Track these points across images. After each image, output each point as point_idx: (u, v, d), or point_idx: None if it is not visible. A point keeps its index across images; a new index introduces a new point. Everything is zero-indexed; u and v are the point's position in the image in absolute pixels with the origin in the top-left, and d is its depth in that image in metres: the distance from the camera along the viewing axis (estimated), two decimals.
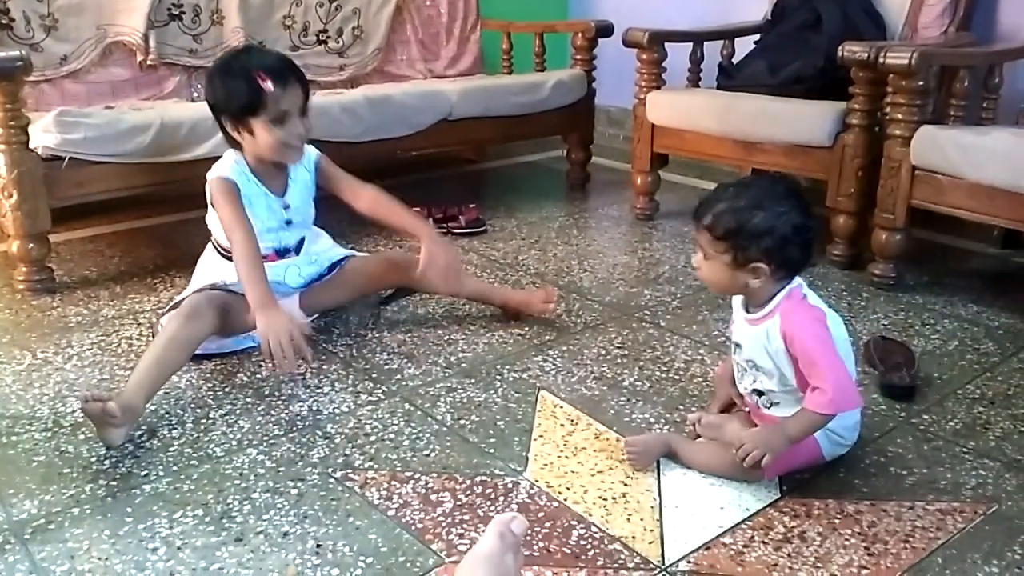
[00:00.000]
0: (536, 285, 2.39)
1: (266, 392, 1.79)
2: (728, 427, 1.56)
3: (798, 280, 1.47)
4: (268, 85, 1.79)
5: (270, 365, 1.71)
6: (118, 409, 1.52)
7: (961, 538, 1.35)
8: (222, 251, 1.96)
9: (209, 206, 1.93)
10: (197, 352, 1.88)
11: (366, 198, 2.02)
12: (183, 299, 1.87)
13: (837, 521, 1.38)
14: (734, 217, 1.41)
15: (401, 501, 1.43)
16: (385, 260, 2.20)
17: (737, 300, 1.53)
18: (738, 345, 1.52)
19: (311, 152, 2.02)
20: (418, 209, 2.85)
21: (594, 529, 1.36)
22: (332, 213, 2.17)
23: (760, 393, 1.50)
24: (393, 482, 1.48)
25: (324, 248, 2.12)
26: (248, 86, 1.79)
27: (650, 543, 1.33)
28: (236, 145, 1.90)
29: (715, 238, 1.43)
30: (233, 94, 1.83)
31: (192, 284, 1.97)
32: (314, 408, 1.73)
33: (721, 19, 3.27)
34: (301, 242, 2.05)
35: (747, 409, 1.58)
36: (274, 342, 1.65)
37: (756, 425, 1.52)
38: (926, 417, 1.71)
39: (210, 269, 1.97)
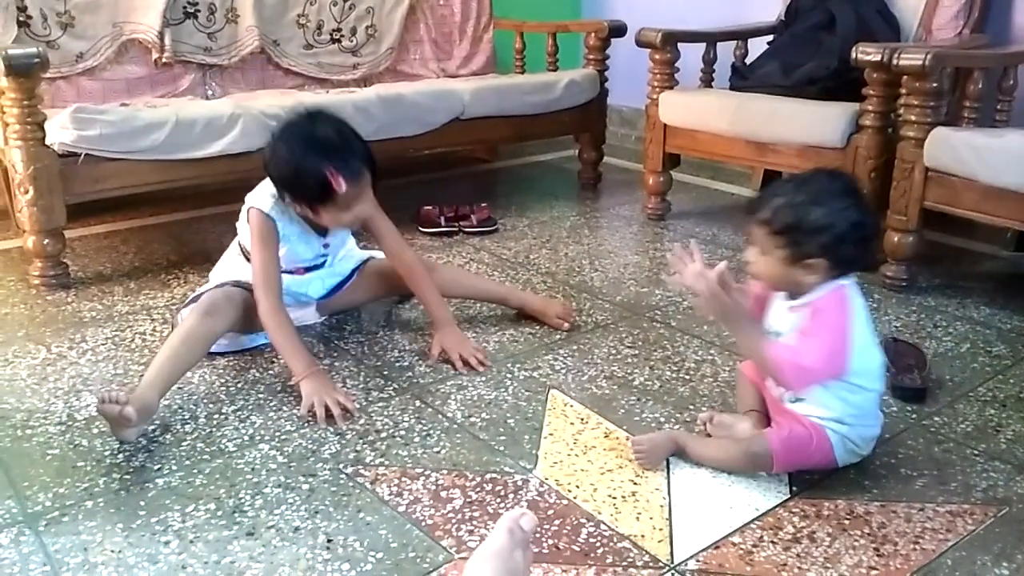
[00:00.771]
0: (548, 285, 2.39)
1: (278, 388, 1.80)
2: (739, 427, 1.57)
3: (851, 280, 1.45)
4: (341, 184, 1.72)
5: (305, 418, 1.69)
6: (135, 413, 1.53)
7: (971, 540, 1.34)
8: (247, 254, 1.95)
9: (243, 212, 1.89)
10: (211, 349, 1.90)
11: (404, 265, 1.99)
12: (202, 293, 1.88)
13: (847, 522, 1.38)
14: (793, 212, 1.40)
15: (411, 497, 1.43)
16: (413, 287, 2.10)
17: (782, 293, 1.51)
18: (777, 334, 1.49)
19: None
20: (429, 208, 2.87)
21: (603, 527, 1.37)
22: None
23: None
24: (404, 478, 1.49)
25: (347, 252, 2.11)
26: (320, 184, 1.72)
27: (659, 542, 1.33)
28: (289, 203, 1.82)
29: (773, 233, 1.41)
30: (304, 185, 1.75)
31: (213, 278, 1.98)
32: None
33: (734, 20, 3.26)
34: (328, 258, 2.04)
35: (759, 409, 1.58)
36: (319, 404, 1.66)
37: (769, 424, 1.53)
38: (937, 419, 1.70)
39: (233, 267, 1.97)
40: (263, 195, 1.85)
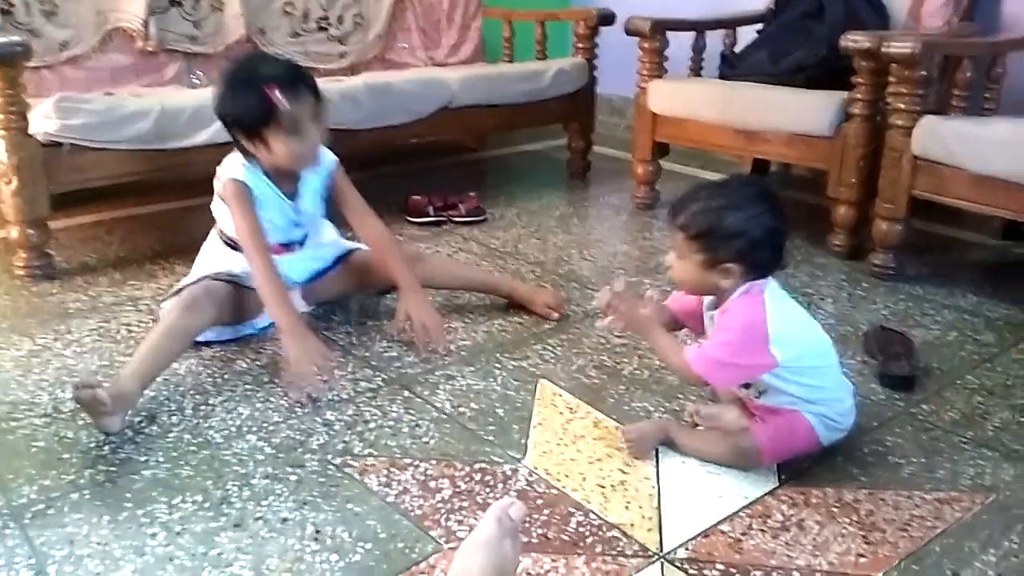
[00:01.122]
0: (537, 275, 2.38)
1: (265, 379, 1.79)
2: (726, 416, 1.57)
3: (768, 280, 1.47)
4: (280, 98, 1.74)
5: (288, 388, 1.71)
6: (108, 397, 1.52)
7: (959, 527, 1.35)
8: (228, 241, 1.95)
9: (216, 197, 1.92)
10: (197, 339, 1.89)
11: (370, 231, 2.00)
12: (185, 286, 1.87)
13: (835, 510, 1.39)
14: (707, 218, 1.43)
15: (400, 488, 1.43)
16: (379, 256, 2.16)
17: (708, 299, 1.54)
18: None
19: (328, 158, 1.98)
20: (418, 198, 2.86)
21: (592, 516, 1.37)
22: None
23: (746, 386, 1.51)
24: (392, 469, 1.48)
25: (329, 241, 2.11)
26: (259, 100, 1.74)
27: (648, 530, 1.33)
28: (250, 155, 1.85)
29: (689, 238, 1.45)
30: (244, 109, 1.78)
31: (195, 271, 1.97)
32: (313, 395, 1.73)
33: (723, 8, 3.25)
34: (306, 236, 2.04)
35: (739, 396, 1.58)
36: (305, 368, 1.67)
37: (754, 414, 1.53)
38: (925, 407, 1.71)
39: (214, 257, 1.96)
40: (231, 165, 1.87)
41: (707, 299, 1.54)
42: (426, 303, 1.95)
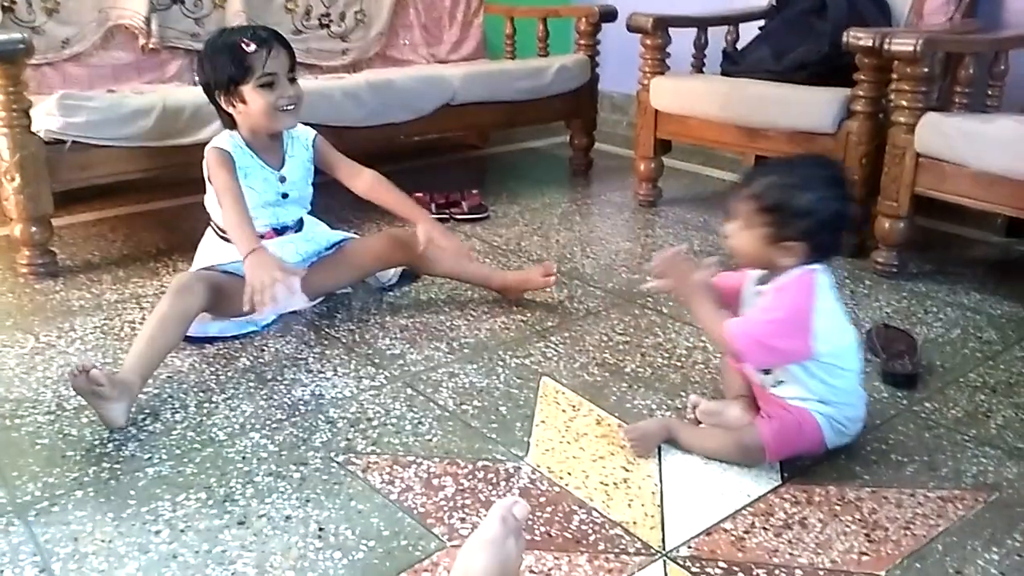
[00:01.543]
0: (534, 263, 2.37)
1: (269, 376, 1.79)
2: (728, 412, 1.57)
3: (822, 268, 1.45)
4: (251, 48, 1.84)
5: (250, 303, 1.72)
6: (103, 376, 1.52)
7: (961, 525, 1.35)
8: (221, 233, 1.96)
9: (207, 185, 1.94)
10: (199, 336, 1.90)
11: (364, 180, 2.06)
12: None
13: (838, 508, 1.39)
14: (782, 193, 1.41)
15: (403, 485, 1.43)
16: (387, 237, 2.17)
17: (753, 274, 1.52)
18: None
19: (309, 131, 2.06)
20: (420, 195, 2.86)
21: (595, 514, 1.37)
22: (332, 198, 2.18)
23: (767, 371, 1.50)
24: (395, 466, 1.48)
25: (324, 230, 2.14)
26: (232, 54, 1.85)
27: (651, 528, 1.34)
28: (232, 125, 1.94)
29: (759, 209, 1.43)
30: (220, 66, 1.88)
31: (195, 266, 1.98)
32: (317, 393, 1.73)
33: (725, 4, 3.25)
34: (300, 223, 2.06)
35: (747, 395, 1.58)
36: (258, 282, 1.70)
37: (759, 410, 1.53)
38: (928, 405, 1.71)
39: (209, 252, 1.98)
40: (216, 139, 1.95)
41: (754, 275, 1.52)
42: (444, 230, 2.02)
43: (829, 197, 1.42)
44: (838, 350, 1.45)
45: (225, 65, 1.87)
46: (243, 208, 1.86)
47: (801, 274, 1.43)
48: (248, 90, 1.87)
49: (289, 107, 1.92)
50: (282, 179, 1.99)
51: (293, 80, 1.93)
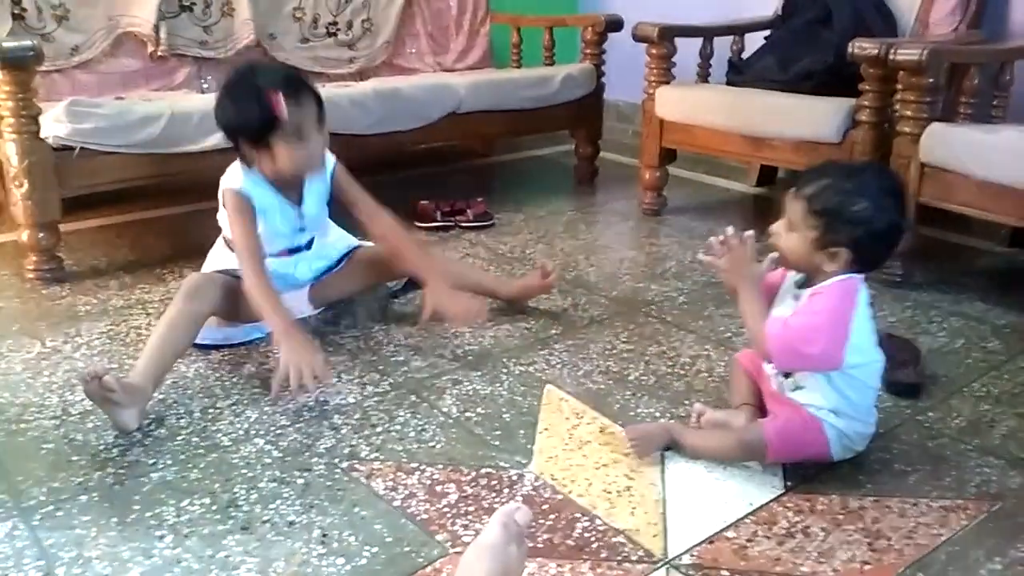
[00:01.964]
0: (533, 268, 2.36)
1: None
2: (733, 422, 1.57)
3: (863, 279, 1.45)
4: (282, 105, 1.73)
5: (278, 390, 1.68)
6: (115, 382, 1.53)
7: (964, 535, 1.35)
8: (232, 247, 1.96)
9: (221, 208, 1.92)
10: (205, 343, 1.90)
11: (381, 224, 1.99)
12: None
13: (841, 517, 1.39)
14: (837, 197, 1.40)
15: (407, 492, 1.43)
16: (394, 248, 2.18)
17: (792, 275, 1.51)
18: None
19: (329, 159, 1.98)
20: (426, 202, 2.87)
21: (598, 522, 1.37)
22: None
23: (787, 374, 1.50)
24: (399, 473, 1.49)
25: (334, 240, 2.12)
26: (260, 107, 1.73)
27: (654, 536, 1.34)
28: (252, 162, 1.84)
29: (811, 211, 1.41)
30: (247, 117, 1.77)
31: (203, 271, 1.98)
32: (321, 399, 1.73)
33: (731, 14, 3.26)
34: (312, 240, 2.05)
35: (753, 403, 1.58)
36: (295, 372, 1.65)
37: (764, 417, 1.53)
38: (931, 414, 1.71)
39: (221, 258, 1.97)
40: (233, 175, 1.87)
41: (793, 275, 1.51)
42: (450, 292, 1.94)
43: (883, 207, 1.40)
44: (865, 365, 1.45)
45: (252, 117, 1.75)
46: (264, 277, 1.80)
47: (843, 280, 1.42)
48: (277, 143, 1.77)
49: (319, 158, 1.88)
50: (301, 215, 1.95)
51: (321, 125, 1.85)
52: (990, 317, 2.18)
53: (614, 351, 1.97)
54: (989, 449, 1.58)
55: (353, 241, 2.14)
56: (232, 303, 1.87)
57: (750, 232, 1.50)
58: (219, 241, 2.02)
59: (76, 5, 2.86)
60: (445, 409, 1.71)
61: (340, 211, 2.05)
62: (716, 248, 1.52)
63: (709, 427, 1.60)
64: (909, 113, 2.24)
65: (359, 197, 2.00)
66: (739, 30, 3.11)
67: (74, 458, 1.52)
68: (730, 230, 1.52)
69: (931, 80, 2.20)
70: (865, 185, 1.41)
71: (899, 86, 2.26)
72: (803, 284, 1.49)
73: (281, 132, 1.76)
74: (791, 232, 1.45)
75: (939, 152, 2.19)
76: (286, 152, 1.78)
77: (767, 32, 3.07)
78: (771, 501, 1.43)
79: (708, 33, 3.05)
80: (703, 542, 1.33)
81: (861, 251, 1.40)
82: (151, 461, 1.52)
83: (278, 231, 1.93)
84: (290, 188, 1.92)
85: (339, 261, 2.09)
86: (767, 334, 1.43)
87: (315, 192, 1.97)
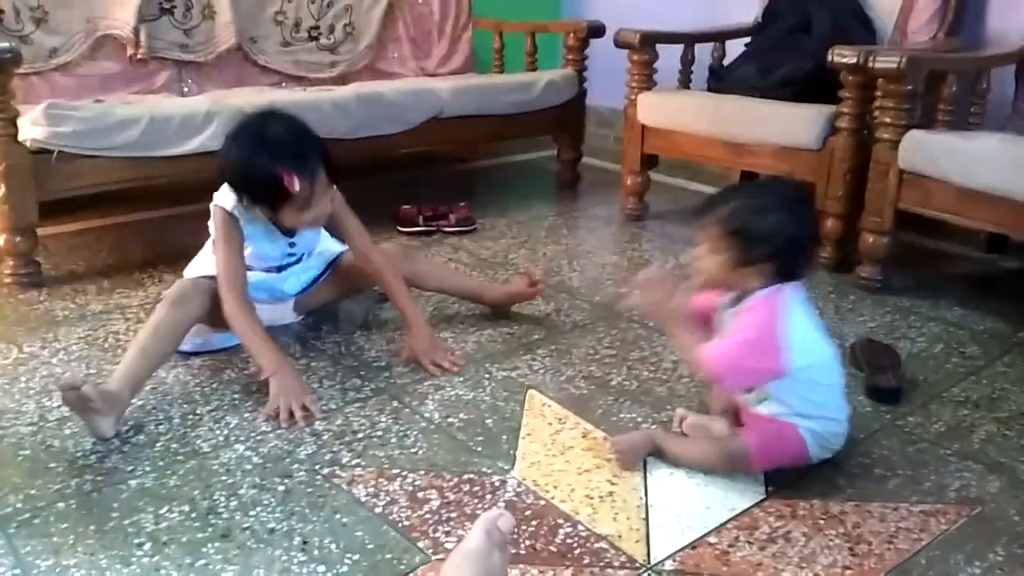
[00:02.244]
0: (519, 274, 2.36)
1: (254, 389, 1.79)
2: (714, 427, 1.58)
3: (791, 286, 1.47)
4: (295, 183, 1.68)
5: (269, 418, 1.67)
6: (94, 392, 1.51)
7: (944, 539, 1.36)
8: None
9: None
10: (185, 349, 1.89)
11: (373, 266, 1.96)
12: None
13: (822, 522, 1.39)
14: (746, 216, 1.43)
15: (388, 498, 1.43)
16: (378, 253, 2.15)
17: (724, 299, 1.54)
18: None
19: None
20: (408, 207, 2.87)
21: (580, 528, 1.37)
22: None
23: (749, 389, 1.51)
24: (380, 479, 1.48)
25: (321, 249, 2.09)
26: (273, 185, 1.69)
27: (636, 542, 1.34)
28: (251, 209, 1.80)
29: (725, 232, 1.45)
30: (256, 186, 1.73)
31: (188, 273, 1.96)
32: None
33: (712, 21, 3.27)
34: (302, 257, 2.03)
35: (731, 409, 1.59)
36: (284, 408, 1.65)
37: (743, 425, 1.53)
38: (911, 419, 1.72)
39: (207, 263, 1.95)
40: (228, 193, 1.82)
41: (724, 299, 1.53)
42: (430, 339, 1.92)
43: (791, 219, 1.43)
44: (816, 364, 1.46)
45: (263, 187, 1.71)
46: (246, 302, 1.77)
47: (769, 294, 1.45)
48: (284, 210, 1.75)
49: (323, 217, 1.83)
50: (292, 244, 1.92)
51: (328, 187, 1.79)
52: (969, 322, 2.20)
53: (597, 356, 1.97)
54: (968, 454, 1.60)
55: (337, 248, 2.13)
56: (219, 311, 1.85)
57: (669, 264, 1.53)
58: (208, 245, 2.00)
59: (55, 7, 2.84)
60: (427, 415, 1.70)
61: (332, 233, 2.05)
62: (638, 286, 1.56)
63: (691, 431, 1.60)
64: (888, 120, 2.26)
65: (354, 230, 1.95)
66: (720, 37, 3.12)
67: (51, 465, 1.50)
68: (644, 273, 1.57)
69: (910, 87, 2.22)
70: (772, 200, 1.46)
71: (878, 93, 2.28)
72: (735, 303, 1.51)
73: (290, 203, 1.73)
74: (711, 255, 1.48)
75: (917, 158, 2.21)
76: (292, 217, 1.77)
77: (748, 39, 3.08)
78: (753, 506, 1.43)
79: (689, 40, 3.06)
80: (685, 548, 1.33)
81: (779, 263, 1.44)
82: (130, 468, 1.50)
83: (267, 255, 1.91)
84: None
85: (325, 269, 2.08)
86: (705, 359, 1.46)
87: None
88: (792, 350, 1.42)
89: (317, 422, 1.66)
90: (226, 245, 1.80)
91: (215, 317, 1.85)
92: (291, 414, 1.65)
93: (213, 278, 1.86)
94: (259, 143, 1.73)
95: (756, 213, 1.43)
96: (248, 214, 1.82)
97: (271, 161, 1.69)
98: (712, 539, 1.35)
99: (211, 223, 1.90)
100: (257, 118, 1.78)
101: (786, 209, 1.44)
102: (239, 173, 1.75)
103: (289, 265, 1.99)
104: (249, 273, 1.88)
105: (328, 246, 2.11)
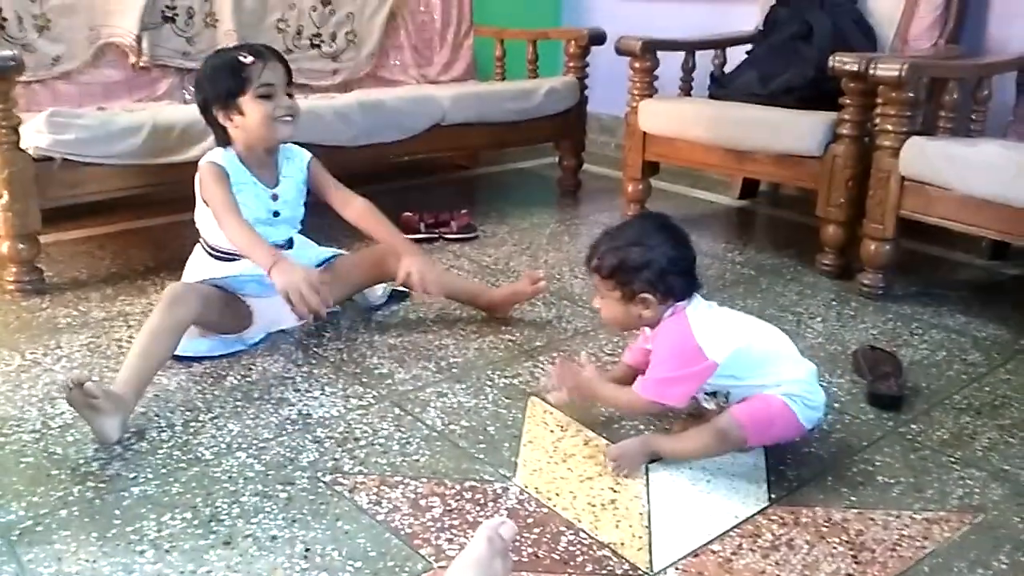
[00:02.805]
0: (521, 276, 2.36)
1: (256, 396, 1.79)
2: (706, 415, 1.59)
3: (692, 300, 1.54)
4: (248, 59, 1.88)
5: (297, 314, 1.87)
6: (98, 389, 1.52)
7: (947, 547, 1.35)
8: (210, 250, 1.96)
9: (198, 202, 1.94)
10: (187, 355, 1.89)
11: (356, 208, 2.08)
12: None
13: (825, 529, 1.39)
14: (615, 255, 1.53)
15: (390, 506, 1.43)
16: (375, 251, 2.17)
17: (648, 331, 1.60)
18: None
19: (304, 153, 2.08)
20: (409, 214, 2.87)
21: (583, 535, 1.37)
22: (321, 217, 2.17)
23: (712, 394, 1.55)
24: (382, 487, 1.48)
25: (313, 252, 2.13)
26: (232, 69, 1.89)
27: (639, 549, 1.33)
28: (227, 142, 1.95)
29: (603, 278, 1.55)
30: (218, 79, 1.91)
31: (183, 279, 1.98)
32: (304, 412, 1.72)
33: (713, 29, 3.28)
34: (290, 242, 2.05)
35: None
36: (294, 292, 1.76)
37: None
38: (913, 427, 1.72)
39: (199, 268, 1.97)
40: (210, 154, 1.96)
41: (648, 333, 1.60)
42: (426, 260, 2.04)
43: (659, 244, 1.52)
44: (740, 347, 1.50)
45: (224, 78, 1.90)
46: (246, 222, 1.88)
47: (670, 314, 1.53)
48: (246, 101, 1.89)
49: (287, 118, 1.94)
50: (275, 197, 2.00)
51: (290, 95, 1.96)
52: (971, 329, 2.20)
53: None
54: (971, 461, 1.60)
55: (332, 250, 2.15)
56: (215, 313, 1.87)
57: (571, 357, 1.71)
58: (197, 249, 2.02)
59: (58, 15, 2.84)
60: (429, 422, 1.70)
61: (316, 205, 2.11)
62: (553, 385, 1.68)
63: (682, 425, 1.64)
64: (889, 127, 2.27)
65: (331, 184, 2.10)
66: (721, 44, 3.13)
67: (54, 472, 1.50)
68: (553, 369, 1.70)
69: (911, 94, 2.22)
70: (633, 235, 1.55)
71: (879, 100, 2.28)
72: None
73: (249, 88, 1.88)
74: (604, 301, 1.58)
75: (919, 166, 2.21)
76: (255, 108, 1.89)
77: (749, 47, 3.09)
78: (756, 514, 1.43)
79: (690, 47, 3.07)
80: (688, 555, 1.33)
81: (661, 288, 1.51)
82: (132, 475, 1.50)
83: (253, 216, 1.94)
84: (264, 169, 1.98)
85: (318, 266, 2.09)
86: (640, 392, 1.53)
87: (290, 179, 2.03)
88: (711, 345, 1.48)
89: (319, 429, 1.66)
90: (217, 186, 1.91)
91: (211, 321, 1.88)
92: (304, 301, 1.77)
93: (207, 282, 1.90)
94: (224, 50, 2.06)
95: (623, 249, 1.52)
96: (232, 164, 1.93)
97: (228, 52, 1.97)
98: (715, 547, 1.35)
99: (198, 216, 1.98)
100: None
101: (648, 239, 1.53)
102: (205, 76, 1.96)
103: (280, 247, 2.01)
104: (237, 264, 1.94)
105: (321, 251, 2.14)
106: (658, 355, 1.53)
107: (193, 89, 2.00)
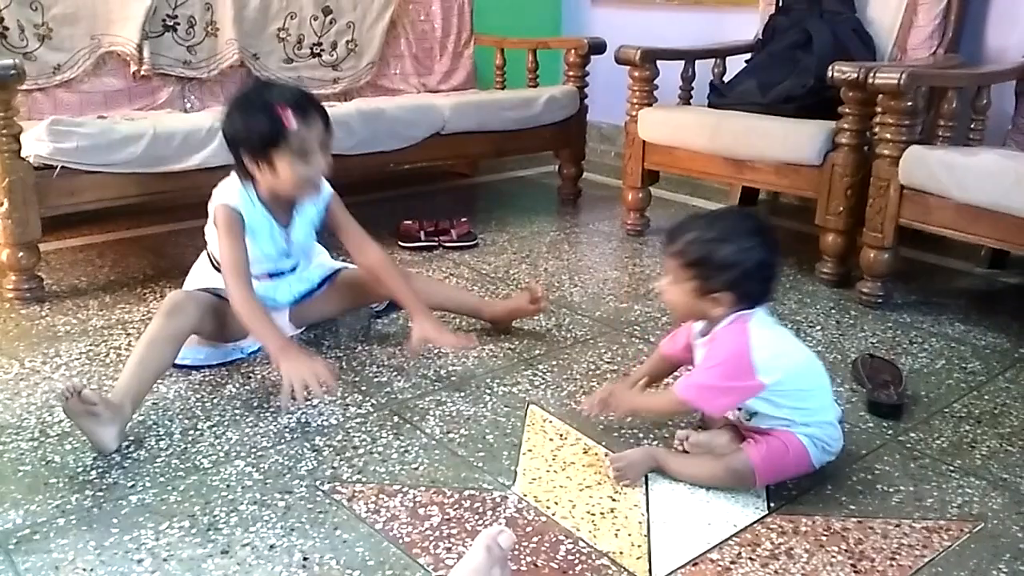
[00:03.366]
0: (521, 289, 2.37)
1: (254, 404, 1.79)
2: (717, 442, 1.57)
3: (756, 312, 1.50)
4: (290, 119, 1.73)
5: (290, 404, 1.72)
6: (96, 396, 1.51)
7: (947, 556, 1.35)
8: (217, 264, 1.95)
9: (210, 220, 1.90)
10: (186, 363, 1.89)
11: (370, 257, 1.98)
12: None
13: (824, 538, 1.39)
14: (703, 247, 1.47)
15: (389, 515, 1.42)
16: (381, 281, 2.12)
17: (696, 327, 1.58)
18: None
19: (326, 189, 1.97)
20: (409, 223, 2.87)
21: (582, 544, 1.36)
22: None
23: (738, 408, 1.52)
24: (381, 495, 1.48)
25: (316, 263, 2.11)
26: (269, 119, 1.73)
27: (638, 558, 1.33)
28: (249, 178, 1.84)
29: (683, 265, 1.49)
30: (254, 128, 1.76)
31: (184, 288, 1.97)
32: (302, 420, 1.72)
33: (713, 38, 3.29)
34: (296, 265, 2.04)
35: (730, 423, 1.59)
36: (299, 385, 1.65)
37: (744, 439, 1.53)
38: (913, 435, 1.71)
39: (201, 277, 1.96)
40: (227, 190, 1.85)
41: (696, 327, 1.56)
42: (439, 325, 1.93)
43: (750, 247, 1.47)
44: (792, 374, 1.48)
45: (259, 128, 1.75)
46: (251, 290, 1.80)
47: (733, 322, 1.49)
48: (280, 159, 1.76)
49: (319, 180, 1.86)
50: (288, 234, 1.94)
51: (326, 149, 1.83)
52: (970, 338, 2.20)
53: (598, 371, 1.97)
54: (970, 470, 1.59)
55: (335, 264, 2.13)
56: (214, 322, 1.86)
57: (605, 388, 1.67)
58: (202, 257, 2.01)
59: (59, 24, 2.85)
60: (428, 430, 1.70)
61: (328, 237, 2.07)
62: (594, 408, 1.66)
63: (694, 449, 1.60)
64: (888, 136, 2.27)
65: (350, 227, 1.99)
66: (720, 53, 3.14)
67: (52, 480, 1.50)
68: (585, 402, 1.70)
69: (910, 103, 2.23)
70: (727, 230, 1.49)
71: (878, 109, 2.29)
72: (704, 333, 1.55)
73: (285, 146, 1.75)
74: (673, 286, 1.52)
75: (918, 174, 2.21)
76: (288, 169, 1.77)
77: (748, 56, 3.10)
78: (755, 522, 1.43)
79: (689, 56, 3.08)
80: (687, 564, 1.32)
81: (739, 291, 1.47)
82: (130, 483, 1.50)
83: (264, 253, 1.92)
84: (281, 210, 1.91)
85: (321, 284, 2.08)
86: (679, 393, 1.51)
87: (306, 218, 1.96)
88: (762, 369, 1.45)
89: (317, 437, 1.65)
90: (231, 237, 1.81)
91: (210, 330, 1.87)
92: (307, 389, 1.65)
93: (206, 290, 1.88)
94: (260, 89, 1.89)
95: (713, 243, 1.47)
96: (248, 204, 1.84)
97: (271, 97, 1.77)
98: (714, 555, 1.34)
99: (208, 229, 1.92)
100: (259, 83, 1.99)
101: (742, 238, 1.47)
102: (238, 120, 1.79)
103: (283, 273, 2.00)
104: None
105: (325, 261, 2.12)
106: (709, 361, 1.50)
107: (222, 120, 1.83)
